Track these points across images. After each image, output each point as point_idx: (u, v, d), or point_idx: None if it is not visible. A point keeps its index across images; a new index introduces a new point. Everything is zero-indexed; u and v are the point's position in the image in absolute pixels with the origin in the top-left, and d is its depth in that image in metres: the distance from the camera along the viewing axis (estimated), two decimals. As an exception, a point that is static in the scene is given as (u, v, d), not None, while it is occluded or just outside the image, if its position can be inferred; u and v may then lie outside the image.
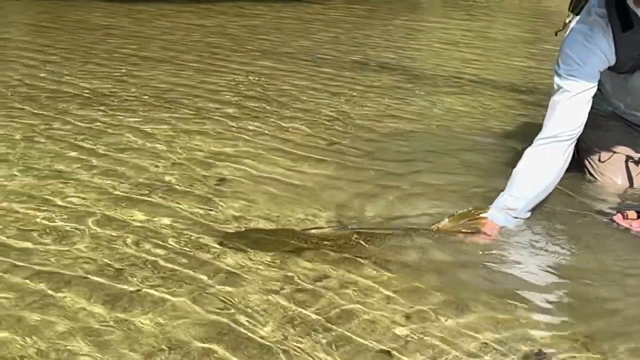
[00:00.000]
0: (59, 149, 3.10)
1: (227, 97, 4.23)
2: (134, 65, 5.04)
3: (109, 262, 2.06)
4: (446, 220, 2.31)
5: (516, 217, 2.36)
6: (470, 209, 2.36)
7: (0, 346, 1.64)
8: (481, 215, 2.32)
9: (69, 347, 1.63)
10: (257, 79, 4.82)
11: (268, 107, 4.02)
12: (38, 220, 2.35)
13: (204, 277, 1.98)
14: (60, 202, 2.50)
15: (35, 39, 6.07)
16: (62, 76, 4.60)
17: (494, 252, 2.24)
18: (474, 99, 4.46)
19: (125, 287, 1.92)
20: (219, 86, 4.51)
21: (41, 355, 1.61)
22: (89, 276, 1.98)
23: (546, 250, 2.27)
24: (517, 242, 2.31)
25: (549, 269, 2.17)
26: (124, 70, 4.87)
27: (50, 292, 1.89)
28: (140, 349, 1.63)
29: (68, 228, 2.28)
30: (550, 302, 1.97)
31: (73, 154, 3.05)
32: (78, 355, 1.61)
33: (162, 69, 4.99)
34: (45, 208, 2.45)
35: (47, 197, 2.56)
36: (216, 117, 3.75)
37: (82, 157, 3.01)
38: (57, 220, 2.35)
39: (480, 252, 2.23)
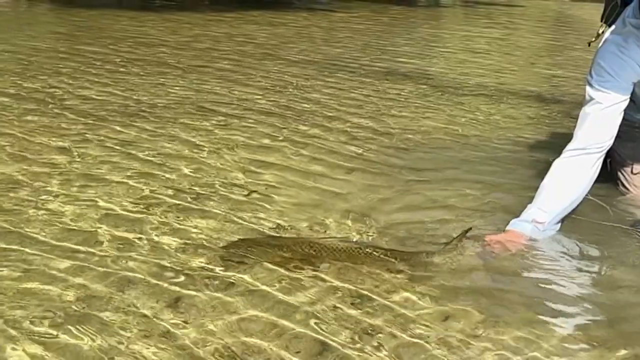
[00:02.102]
0: (105, 155, 3.14)
1: (256, 105, 4.25)
2: (165, 74, 5.11)
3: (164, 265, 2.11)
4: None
5: (544, 230, 2.34)
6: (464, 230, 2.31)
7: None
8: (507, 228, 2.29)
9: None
10: (286, 86, 4.86)
11: (296, 115, 4.05)
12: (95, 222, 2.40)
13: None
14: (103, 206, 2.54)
15: (65, 47, 6.17)
16: (104, 85, 4.67)
17: (525, 264, 2.22)
18: (500, 109, 4.44)
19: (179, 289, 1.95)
20: (248, 94, 4.56)
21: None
22: (149, 278, 2.02)
23: (577, 263, 2.24)
24: (548, 254, 2.28)
25: (580, 283, 2.14)
26: (158, 79, 4.94)
27: (118, 293, 1.94)
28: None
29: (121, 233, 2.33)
30: (585, 317, 1.94)
31: (115, 160, 3.09)
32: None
33: (194, 77, 5.04)
34: (95, 217, 2.49)
35: (99, 204, 2.60)
36: (245, 125, 3.77)
37: (123, 163, 3.05)
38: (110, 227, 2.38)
39: (510, 265, 2.20)
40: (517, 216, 2.38)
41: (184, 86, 4.75)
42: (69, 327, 1.77)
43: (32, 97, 4.27)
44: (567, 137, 2.51)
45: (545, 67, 6.39)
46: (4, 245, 2.21)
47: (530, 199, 2.42)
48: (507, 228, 2.34)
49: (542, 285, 2.11)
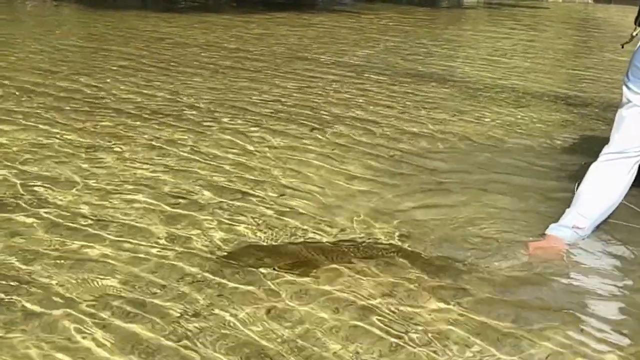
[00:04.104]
0: (142, 157, 3.24)
1: (287, 105, 4.33)
2: (199, 75, 5.19)
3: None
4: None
5: (583, 235, 2.37)
6: None
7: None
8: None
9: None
10: (316, 87, 4.92)
11: (327, 116, 4.12)
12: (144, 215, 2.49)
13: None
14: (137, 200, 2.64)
15: (100, 48, 6.29)
16: (142, 86, 4.77)
17: (566, 270, 2.23)
18: (530, 111, 4.45)
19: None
20: (280, 94, 4.63)
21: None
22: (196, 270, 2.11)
23: (617, 267, 2.27)
24: (589, 260, 2.29)
25: (621, 286, 2.15)
26: (193, 78, 5.02)
27: (175, 283, 2.03)
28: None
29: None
30: (625, 321, 1.95)
31: (156, 157, 3.21)
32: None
33: (228, 77, 5.13)
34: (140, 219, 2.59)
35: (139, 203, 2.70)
36: (278, 125, 3.83)
37: (165, 160, 3.14)
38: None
39: (552, 271, 2.20)
40: (554, 220, 2.39)
41: (218, 86, 4.84)
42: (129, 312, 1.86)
43: (72, 97, 4.38)
44: (599, 140, 2.51)
45: (574, 69, 6.37)
46: (56, 237, 2.31)
47: (565, 203, 2.42)
48: (547, 233, 2.36)
49: (585, 290, 2.13)
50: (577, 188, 2.52)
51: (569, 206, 2.43)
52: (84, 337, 1.76)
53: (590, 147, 3.13)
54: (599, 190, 2.39)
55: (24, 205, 2.59)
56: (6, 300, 1.92)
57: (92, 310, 1.88)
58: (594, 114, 4.44)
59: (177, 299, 1.96)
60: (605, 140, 2.48)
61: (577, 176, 2.59)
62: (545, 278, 2.17)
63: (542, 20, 10.94)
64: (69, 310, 1.87)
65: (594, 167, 2.44)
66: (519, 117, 4.31)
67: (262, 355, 1.72)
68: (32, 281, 2.02)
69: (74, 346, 1.72)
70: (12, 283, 2.00)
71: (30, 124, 3.70)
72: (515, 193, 2.89)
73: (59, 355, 1.69)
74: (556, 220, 2.42)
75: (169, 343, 1.75)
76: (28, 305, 1.89)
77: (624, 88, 2.42)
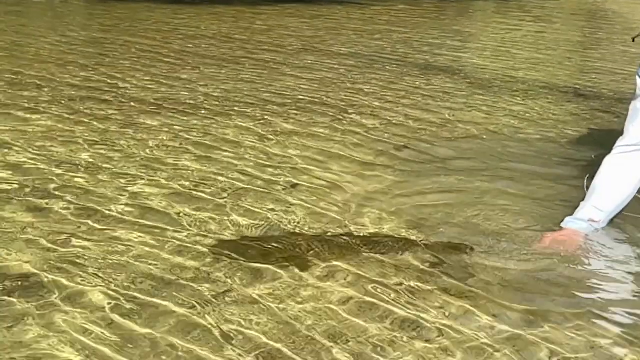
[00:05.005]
0: (161, 145, 3.31)
1: (301, 96, 4.38)
2: (214, 66, 5.25)
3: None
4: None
5: (599, 228, 2.39)
6: None
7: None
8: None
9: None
10: (329, 78, 4.97)
11: (340, 106, 4.17)
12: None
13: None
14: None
15: (117, 40, 6.36)
16: (161, 77, 4.84)
17: (584, 263, 2.24)
18: (540, 104, 4.49)
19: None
20: (293, 86, 4.68)
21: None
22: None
23: (631, 259, 2.28)
24: (605, 252, 2.31)
25: (636, 282, 2.17)
26: (209, 70, 5.08)
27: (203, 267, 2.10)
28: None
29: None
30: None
31: (174, 147, 3.27)
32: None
33: (244, 68, 5.20)
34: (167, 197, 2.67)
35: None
36: (293, 116, 3.90)
37: (188, 149, 3.22)
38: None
39: (569, 264, 2.21)
40: (566, 212, 2.41)
41: (231, 77, 4.91)
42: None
43: (96, 87, 4.45)
44: (609, 133, 2.54)
45: (583, 61, 6.39)
46: (90, 222, 2.40)
47: (576, 195, 2.45)
48: (563, 226, 2.39)
49: (601, 283, 2.15)
50: (587, 180, 2.55)
51: (582, 199, 2.45)
52: (120, 315, 1.84)
53: (601, 139, 3.15)
54: (614, 183, 2.41)
55: (51, 191, 2.68)
56: (44, 281, 1.99)
57: (123, 290, 1.96)
58: (604, 105, 4.48)
59: (202, 281, 2.03)
60: (616, 132, 2.50)
61: (588, 168, 2.62)
62: (561, 271, 2.18)
63: (552, 11, 10.91)
64: (103, 289, 1.96)
65: (608, 159, 2.45)
66: (529, 108, 4.35)
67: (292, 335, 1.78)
68: (64, 263, 2.10)
69: (109, 324, 1.80)
70: (45, 266, 2.08)
71: (51, 113, 3.78)
72: (527, 184, 2.93)
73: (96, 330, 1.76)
74: (569, 212, 2.44)
75: (203, 322, 1.82)
76: (65, 283, 1.98)
77: (638, 80, 2.43)
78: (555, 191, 2.85)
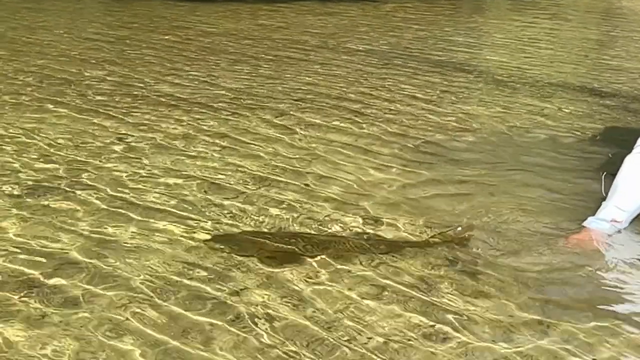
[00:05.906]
0: (178, 142, 3.42)
1: (312, 93, 4.46)
2: (237, 62, 5.34)
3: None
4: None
5: (621, 227, 2.42)
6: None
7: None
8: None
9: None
10: (345, 76, 5.03)
11: (351, 105, 4.23)
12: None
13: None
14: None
15: (142, 37, 6.46)
16: (187, 73, 4.93)
17: (609, 264, 2.26)
18: (554, 103, 4.51)
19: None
20: (307, 84, 4.75)
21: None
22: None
23: None
24: (626, 253, 2.32)
25: None
26: (232, 66, 5.18)
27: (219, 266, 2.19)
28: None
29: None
30: None
31: (192, 145, 3.37)
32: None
33: (266, 65, 5.28)
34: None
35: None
36: (309, 112, 3.98)
37: (211, 142, 3.33)
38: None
39: (593, 265, 2.22)
40: (584, 211, 2.44)
41: (248, 74, 4.99)
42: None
43: (123, 82, 4.57)
44: (625, 131, 2.58)
45: (599, 58, 6.40)
46: (100, 220, 2.51)
47: (593, 194, 2.48)
48: (586, 226, 2.42)
49: (623, 286, 2.16)
50: (604, 178, 2.59)
51: (599, 196, 2.49)
52: (134, 316, 1.92)
53: (618, 136, 3.19)
54: (636, 183, 2.43)
55: (66, 188, 2.78)
56: (61, 281, 2.09)
57: (143, 289, 2.04)
58: (620, 103, 4.50)
59: (219, 279, 2.12)
60: (632, 130, 2.54)
61: (604, 166, 2.66)
62: (586, 272, 2.20)
63: (566, 8, 10.89)
64: (120, 290, 2.04)
65: (629, 158, 2.48)
66: (545, 106, 4.38)
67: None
68: (80, 262, 2.19)
69: (127, 325, 1.89)
70: (63, 265, 2.17)
71: (69, 111, 3.89)
72: (543, 184, 2.95)
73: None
74: (585, 209, 2.48)
75: (219, 322, 1.90)
76: (81, 284, 2.07)
77: None
78: (571, 189, 2.87)
